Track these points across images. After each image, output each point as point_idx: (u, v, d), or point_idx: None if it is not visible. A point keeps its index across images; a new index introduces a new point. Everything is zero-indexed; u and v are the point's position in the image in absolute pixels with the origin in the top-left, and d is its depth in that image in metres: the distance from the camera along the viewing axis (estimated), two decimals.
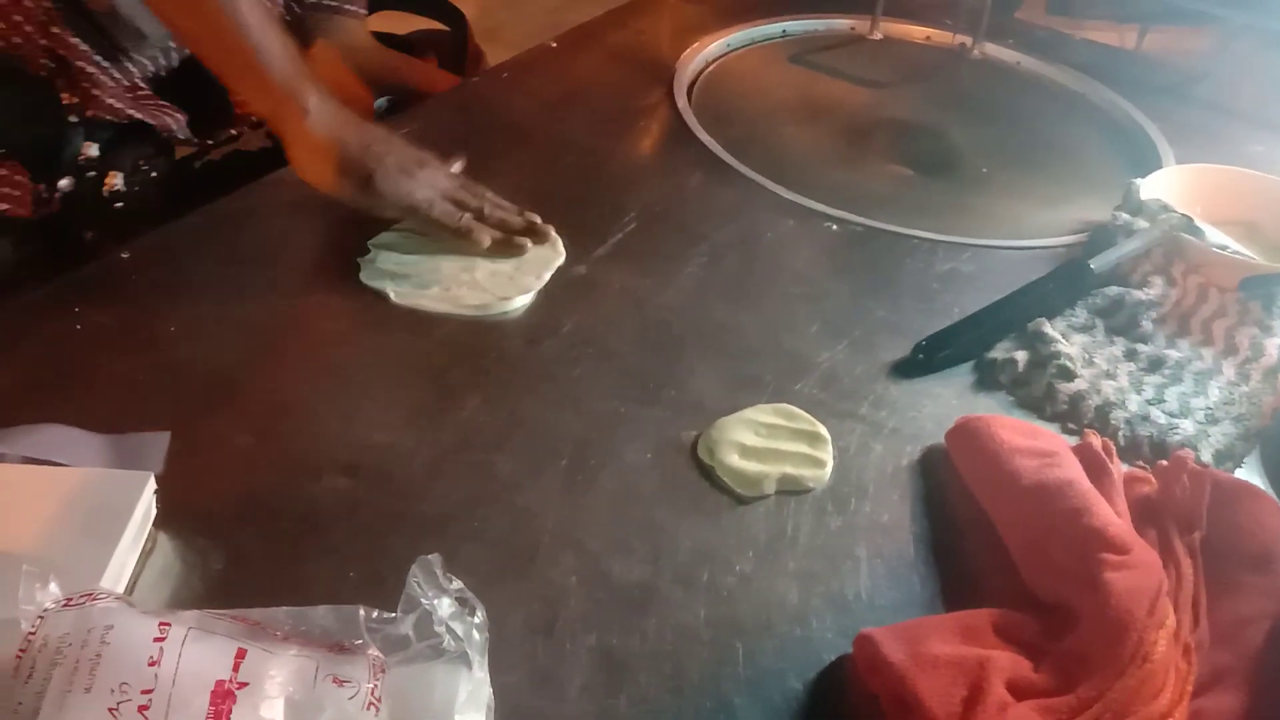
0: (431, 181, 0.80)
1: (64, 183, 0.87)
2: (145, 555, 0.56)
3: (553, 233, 0.83)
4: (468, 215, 0.80)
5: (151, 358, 0.70)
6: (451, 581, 0.49)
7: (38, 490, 0.56)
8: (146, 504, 0.56)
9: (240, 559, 0.57)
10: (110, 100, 0.87)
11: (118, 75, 0.88)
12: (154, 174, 0.94)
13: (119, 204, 0.90)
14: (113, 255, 0.78)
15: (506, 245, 0.80)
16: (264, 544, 0.58)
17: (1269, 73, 1.27)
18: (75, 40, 0.84)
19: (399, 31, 1.56)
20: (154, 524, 0.57)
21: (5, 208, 0.84)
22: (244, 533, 0.58)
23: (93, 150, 0.88)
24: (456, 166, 0.86)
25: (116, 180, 0.90)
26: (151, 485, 0.57)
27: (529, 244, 0.81)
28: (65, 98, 0.85)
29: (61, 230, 0.88)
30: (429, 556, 0.49)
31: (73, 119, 0.86)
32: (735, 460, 0.64)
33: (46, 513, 0.54)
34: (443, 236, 0.80)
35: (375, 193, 0.78)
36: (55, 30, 0.83)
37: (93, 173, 0.88)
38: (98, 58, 0.86)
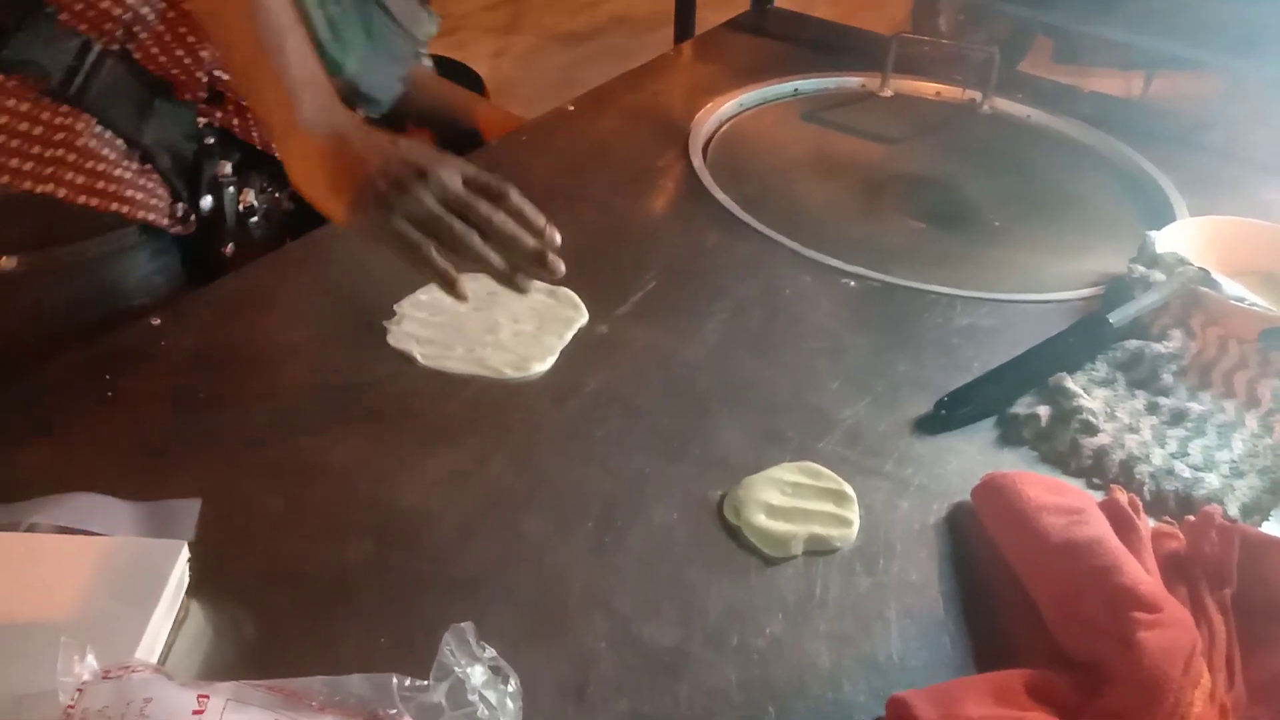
0: (426, 197, 0.70)
1: (205, 201, 0.89)
2: (179, 624, 0.56)
3: (567, 291, 0.80)
4: (468, 248, 0.70)
5: (181, 423, 0.71)
6: (485, 650, 0.49)
7: (72, 560, 0.56)
8: (180, 572, 0.57)
9: (272, 626, 0.57)
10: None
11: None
12: (277, 195, 0.96)
13: (254, 219, 0.93)
14: (143, 322, 0.79)
15: (510, 280, 0.72)
16: (295, 610, 0.58)
17: (1278, 119, 1.29)
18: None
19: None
20: (186, 592, 0.58)
21: (150, 218, 0.85)
22: (275, 599, 0.59)
23: (227, 168, 0.90)
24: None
25: (250, 197, 0.92)
26: (185, 554, 0.57)
27: (530, 285, 0.73)
28: (205, 119, 0.88)
29: (199, 244, 0.91)
30: (462, 625, 0.49)
31: (209, 140, 0.89)
32: (762, 520, 0.64)
33: (81, 582, 0.55)
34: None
35: (355, 224, 0.70)
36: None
37: (231, 189, 0.91)
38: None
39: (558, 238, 0.74)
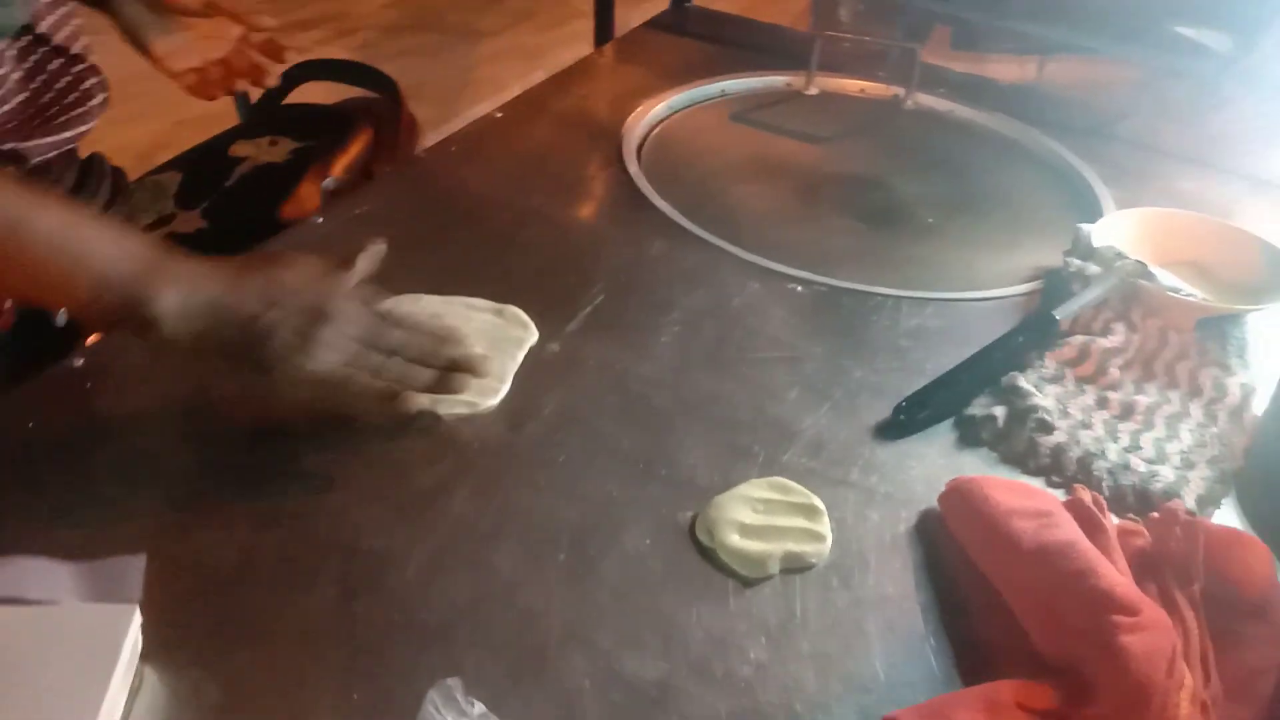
0: (340, 335, 0.65)
1: None
2: (134, 694, 0.53)
3: (487, 364, 0.71)
4: (392, 369, 0.67)
5: (117, 472, 0.66)
6: (474, 706, 0.47)
7: (12, 634, 0.52)
8: (133, 639, 0.53)
9: (237, 688, 0.54)
10: None
11: None
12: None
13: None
14: (64, 364, 0.74)
15: (443, 388, 0.69)
16: (260, 669, 0.55)
17: (1185, 109, 1.33)
18: None
19: (326, 101, 1.55)
20: (140, 658, 0.54)
21: None
22: (237, 658, 0.55)
23: None
24: (365, 260, 0.71)
25: None
26: (138, 619, 0.54)
27: (470, 380, 0.70)
28: None
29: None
30: (448, 681, 0.47)
31: None
32: (736, 541, 0.64)
33: (26, 658, 0.51)
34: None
35: (274, 375, 0.64)
36: None
37: None
38: None
39: (463, 345, 0.71)
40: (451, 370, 0.69)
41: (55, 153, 0.81)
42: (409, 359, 0.68)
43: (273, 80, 0.95)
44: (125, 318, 0.61)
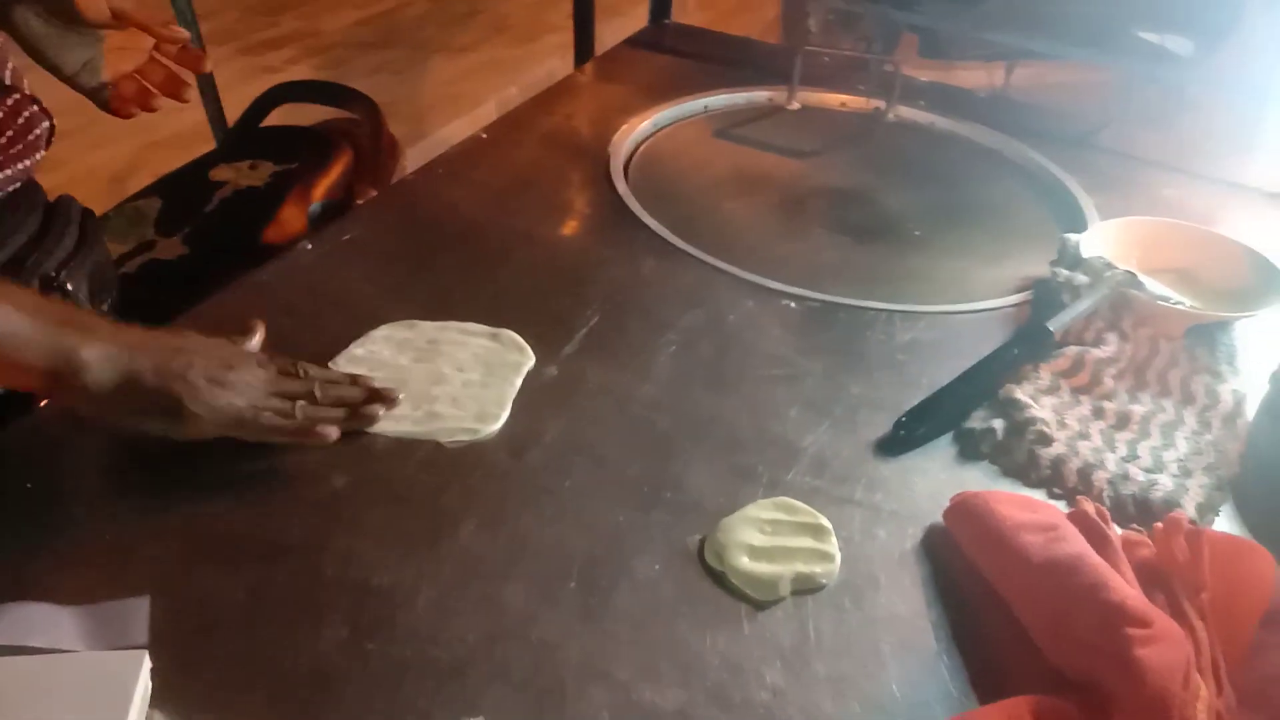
0: (248, 383, 0.69)
1: None
2: None
3: (398, 397, 0.75)
4: (301, 411, 0.70)
5: (116, 513, 0.65)
6: None
7: (21, 684, 0.51)
8: (144, 685, 0.52)
9: None
10: None
11: None
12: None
13: None
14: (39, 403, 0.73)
15: (357, 419, 0.72)
16: (272, 711, 0.54)
17: (1157, 114, 1.35)
18: None
19: (304, 122, 1.54)
20: (150, 703, 0.53)
21: None
22: (249, 700, 0.55)
23: None
24: (256, 340, 0.75)
25: None
26: (147, 664, 0.53)
27: (380, 410, 0.73)
28: None
29: None
30: None
31: None
32: (746, 564, 0.63)
33: (35, 709, 0.50)
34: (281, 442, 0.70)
35: (189, 421, 0.66)
36: None
37: None
38: None
39: (372, 381, 0.75)
40: (366, 402, 0.73)
41: (7, 190, 0.79)
42: (321, 402, 0.71)
43: (192, 94, 0.90)
44: (53, 371, 0.63)
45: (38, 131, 0.79)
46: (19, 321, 0.62)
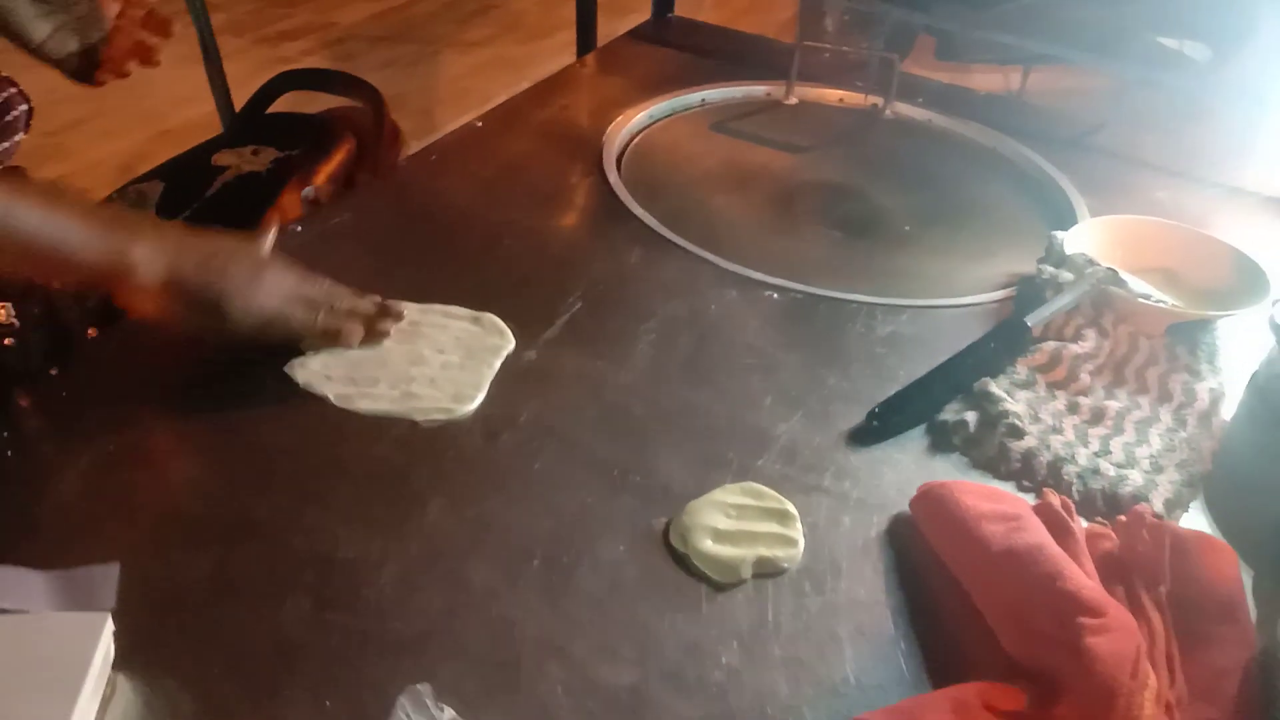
0: (278, 285, 0.75)
1: None
2: (105, 702, 0.53)
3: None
4: (325, 314, 0.77)
5: (92, 483, 0.66)
6: (443, 711, 0.47)
7: None
8: (105, 648, 0.53)
9: (209, 698, 0.54)
10: None
11: None
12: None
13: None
14: (38, 377, 0.74)
15: (371, 335, 0.79)
16: (233, 679, 0.55)
17: (1160, 120, 1.35)
18: None
19: (312, 111, 1.55)
20: (113, 666, 0.54)
21: None
22: (211, 668, 0.56)
23: None
24: (269, 239, 0.78)
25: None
26: (109, 627, 0.54)
27: (391, 328, 0.80)
28: None
29: None
30: (418, 686, 0.47)
31: None
32: (709, 546, 0.64)
33: None
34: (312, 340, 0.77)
35: (226, 316, 0.72)
36: None
37: None
38: None
39: (378, 298, 0.82)
40: (378, 315, 0.79)
41: None
42: (337, 310, 0.78)
43: (159, 59, 0.91)
44: (108, 269, 0.68)
45: (15, 113, 0.81)
46: (72, 226, 0.67)
